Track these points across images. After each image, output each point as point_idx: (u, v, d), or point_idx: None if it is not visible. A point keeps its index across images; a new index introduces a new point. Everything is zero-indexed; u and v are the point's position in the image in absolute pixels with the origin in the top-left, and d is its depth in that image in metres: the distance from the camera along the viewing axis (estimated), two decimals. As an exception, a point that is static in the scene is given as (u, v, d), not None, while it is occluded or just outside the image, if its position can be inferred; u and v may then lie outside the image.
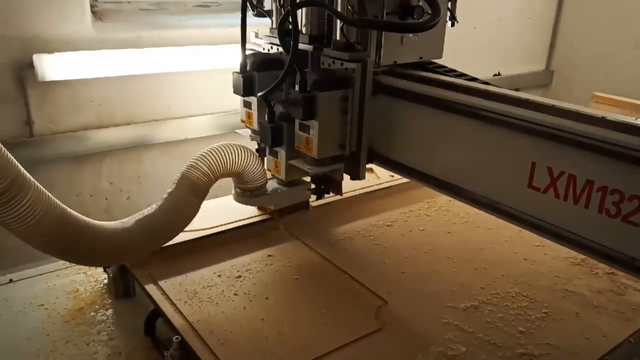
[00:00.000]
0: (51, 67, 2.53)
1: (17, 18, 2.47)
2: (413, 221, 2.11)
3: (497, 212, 1.41)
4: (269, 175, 1.81)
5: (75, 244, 1.44)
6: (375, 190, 2.27)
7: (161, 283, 1.65)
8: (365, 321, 1.51)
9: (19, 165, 1.28)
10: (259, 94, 1.59)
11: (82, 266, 2.01)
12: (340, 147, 1.61)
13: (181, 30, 2.99)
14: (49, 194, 1.37)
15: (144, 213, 1.57)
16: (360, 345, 1.42)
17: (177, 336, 1.43)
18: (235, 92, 1.79)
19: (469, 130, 1.42)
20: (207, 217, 1.98)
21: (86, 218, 1.48)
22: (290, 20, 1.45)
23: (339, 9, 1.56)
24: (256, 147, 1.90)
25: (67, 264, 2.01)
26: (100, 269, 1.94)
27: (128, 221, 1.54)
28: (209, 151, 1.61)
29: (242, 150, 1.63)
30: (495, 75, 4.94)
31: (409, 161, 1.63)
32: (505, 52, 4.86)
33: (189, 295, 1.60)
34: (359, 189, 2.25)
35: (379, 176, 2.38)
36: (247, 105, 1.85)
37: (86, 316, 1.72)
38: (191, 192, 1.57)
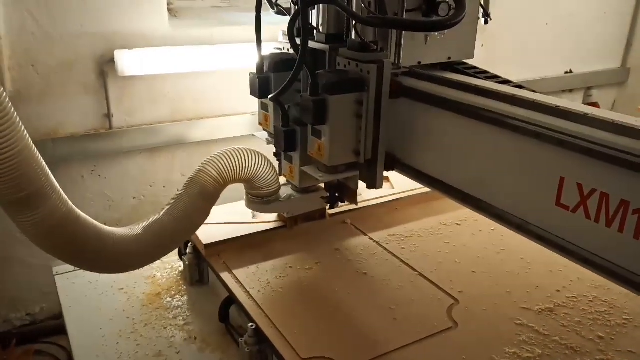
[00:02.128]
0: (130, 62, 2.64)
1: (100, 15, 2.61)
2: (483, 220, 2.04)
3: (522, 231, 1.28)
4: (283, 180, 1.74)
5: (83, 252, 1.44)
6: (444, 188, 2.25)
7: (235, 272, 1.70)
8: (437, 319, 1.50)
9: (47, 173, 1.30)
10: (270, 96, 1.50)
11: (158, 253, 2.11)
12: (354, 154, 1.50)
13: (252, 27, 3.05)
14: (68, 202, 1.38)
15: (152, 218, 1.54)
16: (433, 343, 1.41)
17: (251, 324, 1.47)
18: (252, 93, 1.72)
19: (493, 139, 1.30)
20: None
21: (98, 225, 1.47)
22: (301, 19, 1.36)
23: (355, 6, 1.48)
24: (274, 151, 1.82)
25: (145, 250, 2.11)
26: (176, 257, 2.03)
27: (137, 228, 1.52)
28: (219, 155, 1.56)
29: (253, 154, 1.58)
30: (566, 72, 4.75)
31: (431, 170, 1.51)
32: (578, 49, 4.67)
33: (262, 285, 1.65)
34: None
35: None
36: (264, 107, 1.77)
37: (163, 301, 1.81)
38: (200, 197, 1.54)
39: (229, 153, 1.57)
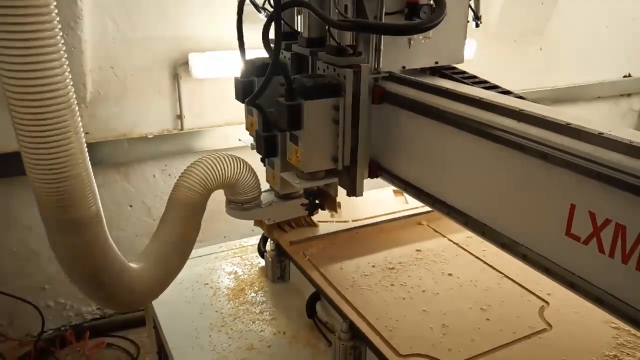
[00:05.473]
0: (203, 65, 2.73)
1: (176, 20, 2.70)
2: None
3: (527, 261, 1.15)
4: (267, 186, 1.70)
5: (102, 284, 1.44)
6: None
7: (322, 269, 1.74)
8: (530, 320, 1.50)
9: (97, 201, 1.32)
10: (246, 99, 1.46)
11: (236, 250, 2.17)
12: (332, 161, 1.46)
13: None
14: (107, 238, 1.39)
15: (153, 251, 1.52)
16: (530, 343, 1.41)
17: (345, 320, 1.50)
18: (236, 97, 1.68)
19: (492, 156, 1.18)
20: (357, 209, 2.07)
21: (121, 258, 1.45)
22: (274, 22, 1.32)
23: (331, 10, 1.44)
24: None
25: (224, 247, 2.17)
26: (255, 254, 2.08)
27: (144, 263, 1.51)
28: (199, 165, 1.49)
29: (234, 160, 1.53)
30: (625, 76, 4.66)
31: (418, 182, 1.43)
32: (637, 53, 4.58)
33: (349, 282, 1.67)
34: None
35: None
36: (249, 112, 1.72)
37: (247, 296, 1.85)
38: (190, 216, 1.51)
39: (209, 161, 1.50)
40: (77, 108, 1.20)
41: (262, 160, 1.70)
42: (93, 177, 1.30)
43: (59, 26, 1.10)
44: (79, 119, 1.21)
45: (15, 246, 2.82)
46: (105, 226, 1.38)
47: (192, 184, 1.48)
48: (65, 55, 1.13)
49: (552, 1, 3.86)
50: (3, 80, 1.11)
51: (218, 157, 1.51)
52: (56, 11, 1.08)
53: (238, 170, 1.54)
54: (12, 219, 2.74)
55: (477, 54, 3.60)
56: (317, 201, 1.72)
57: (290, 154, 1.48)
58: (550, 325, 1.48)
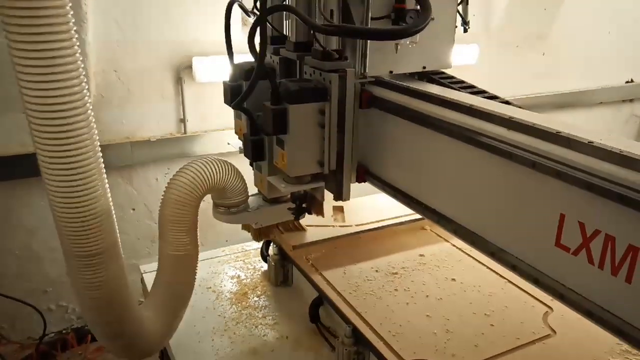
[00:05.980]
0: (207, 69, 2.73)
1: (180, 24, 2.71)
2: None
3: (517, 272, 1.13)
4: (255, 190, 1.69)
5: (121, 331, 1.44)
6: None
7: (325, 274, 1.73)
8: (534, 326, 1.49)
9: (117, 235, 1.33)
10: (232, 103, 1.45)
11: (239, 254, 2.16)
12: (318, 165, 1.46)
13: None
14: (125, 278, 1.38)
15: (160, 295, 1.53)
16: (535, 349, 1.41)
17: (349, 325, 1.50)
18: (225, 101, 1.66)
19: (480, 164, 1.16)
20: (360, 214, 2.07)
21: (135, 305, 1.45)
22: (260, 27, 1.32)
23: (317, 15, 1.44)
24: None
25: (226, 251, 2.17)
26: (258, 258, 2.08)
27: (154, 307, 1.51)
28: (186, 173, 1.44)
29: (221, 165, 1.50)
30: (627, 82, 4.66)
31: (405, 187, 1.43)
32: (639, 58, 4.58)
33: (353, 287, 1.67)
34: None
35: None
36: (238, 116, 1.70)
37: (250, 300, 1.85)
38: (185, 235, 1.47)
39: (197, 167, 1.46)
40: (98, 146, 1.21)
41: (251, 164, 1.70)
42: (112, 206, 1.30)
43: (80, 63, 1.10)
44: (99, 151, 1.22)
45: (17, 248, 2.81)
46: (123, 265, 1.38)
47: (181, 195, 1.43)
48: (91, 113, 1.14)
49: (555, 6, 3.86)
50: (22, 92, 1.11)
51: (205, 162, 1.48)
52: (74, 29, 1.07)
53: (225, 175, 1.51)
54: (14, 221, 2.73)
55: (479, 58, 3.60)
56: (304, 205, 1.71)
57: (276, 157, 1.48)
58: (554, 331, 1.48)
